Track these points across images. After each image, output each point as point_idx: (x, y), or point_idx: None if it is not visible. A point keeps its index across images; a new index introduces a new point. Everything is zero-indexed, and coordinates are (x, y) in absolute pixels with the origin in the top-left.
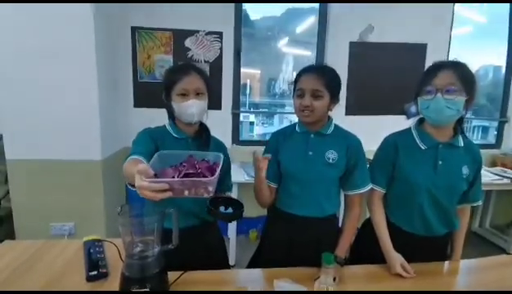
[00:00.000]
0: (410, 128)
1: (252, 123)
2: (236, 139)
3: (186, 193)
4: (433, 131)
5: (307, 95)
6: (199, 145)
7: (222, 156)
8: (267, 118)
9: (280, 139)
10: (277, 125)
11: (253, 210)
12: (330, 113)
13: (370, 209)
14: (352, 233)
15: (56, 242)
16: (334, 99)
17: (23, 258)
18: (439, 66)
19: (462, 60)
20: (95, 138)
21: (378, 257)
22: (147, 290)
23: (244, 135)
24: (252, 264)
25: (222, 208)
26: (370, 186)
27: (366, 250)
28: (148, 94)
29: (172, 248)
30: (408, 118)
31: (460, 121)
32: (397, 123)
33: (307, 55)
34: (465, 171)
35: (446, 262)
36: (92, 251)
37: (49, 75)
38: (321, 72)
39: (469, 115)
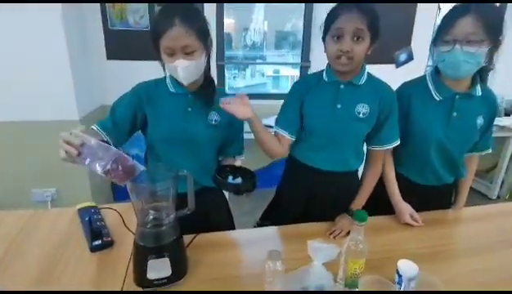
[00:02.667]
0: (424, 77)
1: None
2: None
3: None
4: (450, 80)
5: (348, 38)
6: (203, 102)
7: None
8: (239, 71)
9: (304, 89)
10: (249, 78)
11: (250, 163)
12: None
13: None
14: (370, 190)
15: (45, 212)
16: (375, 40)
17: (12, 233)
18: (460, 12)
19: None
20: (69, 95)
21: (383, 207)
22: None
23: None
24: (265, 216)
25: (230, 178)
26: (398, 142)
27: (373, 200)
28: (122, 44)
29: (189, 213)
30: (397, 66)
31: (482, 70)
32: (387, 72)
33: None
34: (480, 121)
35: (452, 210)
36: (91, 219)
37: (9, 26)
38: (362, 7)
39: None
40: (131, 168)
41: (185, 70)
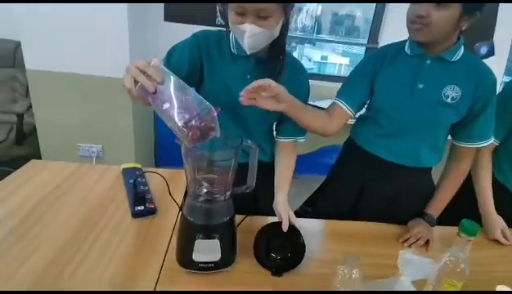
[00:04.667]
0: None
1: None
2: None
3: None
4: None
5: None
6: (266, 72)
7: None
8: None
9: (379, 60)
10: None
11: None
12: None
13: (474, 161)
14: (453, 191)
15: (91, 166)
16: (469, 11)
17: (54, 183)
18: None
19: None
20: (123, 54)
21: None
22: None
23: None
24: (310, 201)
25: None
26: (491, 141)
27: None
28: (182, 7)
29: (248, 191)
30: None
31: None
32: None
33: None
34: None
35: None
36: (135, 182)
37: None
38: None
39: None
40: (208, 130)
41: (252, 38)
